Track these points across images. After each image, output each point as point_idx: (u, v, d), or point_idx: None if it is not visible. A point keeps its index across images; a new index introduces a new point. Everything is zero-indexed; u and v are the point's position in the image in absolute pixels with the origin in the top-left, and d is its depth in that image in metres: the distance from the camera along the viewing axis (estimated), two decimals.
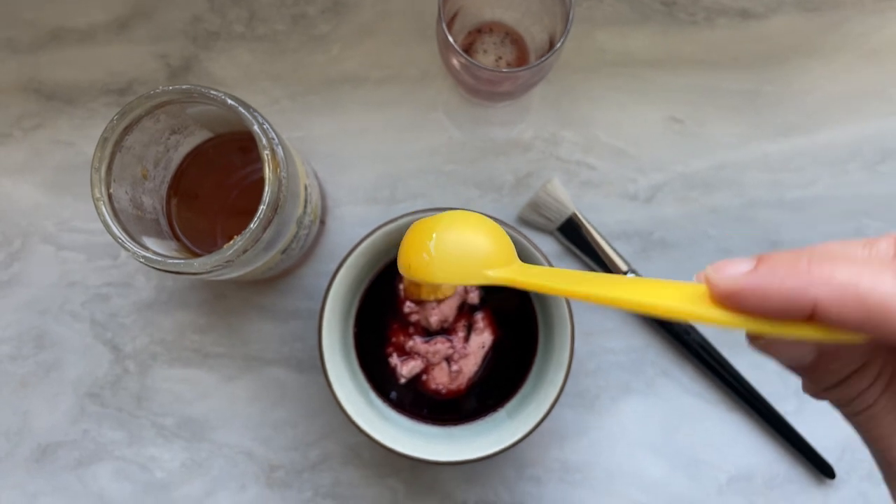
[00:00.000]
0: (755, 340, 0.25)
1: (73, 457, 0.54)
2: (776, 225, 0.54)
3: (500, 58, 0.52)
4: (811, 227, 0.54)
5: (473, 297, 0.50)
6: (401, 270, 0.33)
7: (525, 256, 0.47)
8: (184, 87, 0.39)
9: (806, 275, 0.21)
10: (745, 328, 0.23)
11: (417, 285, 0.49)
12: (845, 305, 0.21)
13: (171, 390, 0.54)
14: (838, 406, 0.26)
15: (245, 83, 0.55)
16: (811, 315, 0.21)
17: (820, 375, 0.25)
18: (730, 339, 0.53)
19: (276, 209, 0.39)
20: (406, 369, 0.49)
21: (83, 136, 0.55)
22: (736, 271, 0.22)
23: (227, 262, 0.39)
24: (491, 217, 0.35)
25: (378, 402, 0.50)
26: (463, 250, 0.31)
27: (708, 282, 0.23)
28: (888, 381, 0.25)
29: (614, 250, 0.53)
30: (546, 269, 0.32)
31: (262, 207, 0.39)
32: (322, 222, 0.52)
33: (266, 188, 0.39)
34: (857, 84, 0.55)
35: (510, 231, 0.46)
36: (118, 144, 0.40)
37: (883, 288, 0.20)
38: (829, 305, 0.21)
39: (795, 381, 0.53)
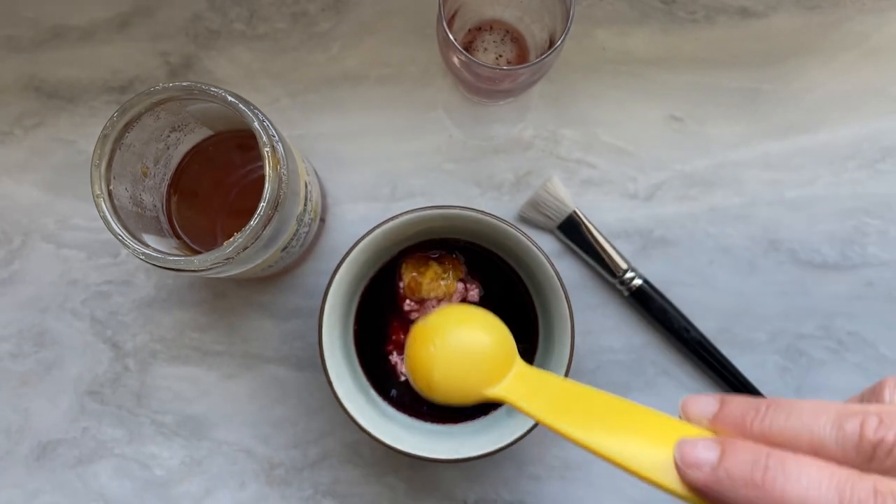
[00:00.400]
0: None
1: (73, 455, 0.54)
2: (776, 223, 0.54)
3: (501, 56, 0.52)
4: (811, 226, 0.54)
5: (473, 295, 0.50)
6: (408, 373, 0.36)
7: (526, 255, 0.47)
8: (184, 83, 0.39)
9: (759, 489, 0.23)
10: None
11: (418, 282, 0.49)
12: None
13: (171, 388, 0.54)
14: None
15: (245, 81, 0.55)
16: None
17: None
18: (730, 338, 0.53)
19: (276, 206, 0.39)
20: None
21: (84, 135, 0.55)
22: (702, 459, 0.24)
23: (227, 259, 0.39)
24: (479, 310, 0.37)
25: (378, 399, 0.50)
26: (461, 373, 0.33)
27: (676, 466, 0.25)
28: None
29: (614, 248, 0.53)
30: (541, 384, 0.33)
31: (262, 204, 0.39)
32: (322, 220, 0.52)
33: (266, 185, 0.39)
34: (857, 82, 0.55)
35: (510, 230, 0.46)
36: (118, 141, 0.40)
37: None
38: None
39: (795, 381, 0.53)
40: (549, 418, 0.30)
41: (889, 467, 0.22)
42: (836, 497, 0.22)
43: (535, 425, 0.45)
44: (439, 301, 0.49)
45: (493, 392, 0.33)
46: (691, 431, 0.26)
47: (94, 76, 0.55)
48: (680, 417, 0.27)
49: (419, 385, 0.34)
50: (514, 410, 0.48)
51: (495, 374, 0.33)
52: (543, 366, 0.48)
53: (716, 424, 0.26)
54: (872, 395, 0.26)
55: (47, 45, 0.55)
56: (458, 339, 0.34)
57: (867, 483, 0.22)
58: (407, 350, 0.35)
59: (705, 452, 0.25)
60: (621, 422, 0.28)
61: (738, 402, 0.26)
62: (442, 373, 0.33)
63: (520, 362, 0.34)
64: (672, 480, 0.25)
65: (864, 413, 0.23)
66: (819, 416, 0.24)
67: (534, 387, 0.32)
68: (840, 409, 0.24)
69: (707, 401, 0.26)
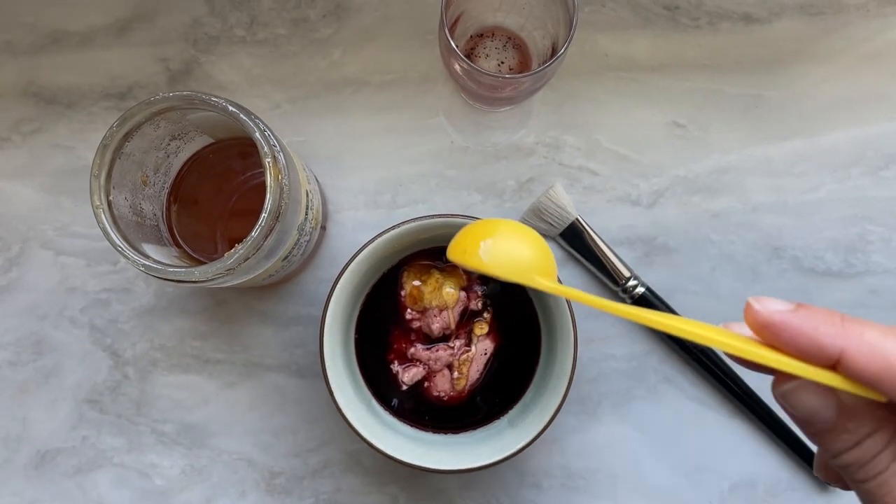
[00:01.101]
0: (780, 384, 0.26)
1: (72, 463, 0.53)
2: (779, 230, 0.54)
3: (503, 63, 0.52)
4: (814, 233, 0.54)
5: (476, 304, 0.50)
6: (451, 255, 0.34)
7: None
8: (184, 93, 0.39)
9: (839, 327, 0.24)
10: (775, 365, 0.24)
11: (420, 291, 0.49)
12: (869, 361, 0.23)
13: (171, 397, 0.54)
14: (852, 471, 0.26)
15: (246, 87, 0.55)
16: (836, 363, 0.24)
17: (836, 436, 0.26)
18: None
19: (277, 217, 0.39)
20: (408, 376, 0.49)
21: (83, 141, 0.55)
22: (778, 306, 0.25)
23: (229, 270, 0.39)
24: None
25: (379, 409, 0.49)
26: (517, 252, 0.33)
27: (750, 308, 0.25)
28: None
29: (617, 256, 0.52)
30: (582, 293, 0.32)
31: (263, 215, 0.38)
32: (323, 228, 0.52)
33: (267, 196, 0.38)
34: (860, 88, 0.55)
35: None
36: (118, 151, 0.40)
37: None
38: (855, 357, 0.23)
39: None
40: (602, 304, 0.29)
41: None
42: None
43: (538, 436, 0.45)
44: (441, 311, 0.49)
45: (546, 282, 0.32)
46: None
47: (94, 82, 0.55)
48: (745, 317, 0.27)
49: (471, 248, 0.33)
50: (517, 420, 0.48)
51: (544, 269, 0.33)
52: (546, 375, 0.48)
53: (789, 322, 0.25)
54: None
55: (46, 50, 0.55)
56: (518, 233, 0.34)
57: None
58: (463, 231, 0.34)
59: (778, 303, 0.25)
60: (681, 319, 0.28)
61: (814, 308, 0.25)
62: (501, 239, 0.33)
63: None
64: (730, 337, 0.25)
65: None
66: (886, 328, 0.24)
67: (580, 295, 0.32)
68: None
69: (780, 302, 0.26)
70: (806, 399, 0.26)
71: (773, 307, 0.25)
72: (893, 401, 0.24)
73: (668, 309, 0.52)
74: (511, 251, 0.33)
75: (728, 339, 0.25)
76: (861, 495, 0.27)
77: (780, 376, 0.26)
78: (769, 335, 0.25)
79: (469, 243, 0.33)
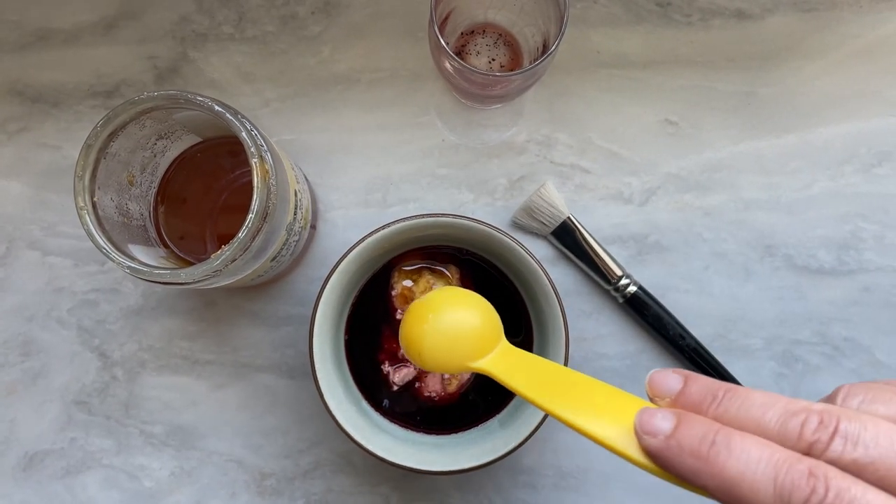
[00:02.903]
0: None
1: (60, 465, 0.53)
2: (771, 227, 0.54)
3: (494, 60, 0.51)
4: (807, 230, 0.53)
5: None
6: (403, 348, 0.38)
7: (519, 262, 0.47)
8: (170, 92, 0.38)
9: (703, 461, 0.25)
10: (662, 478, 0.27)
11: (411, 291, 0.49)
12: (727, 497, 0.24)
13: (160, 398, 0.53)
14: None
15: (234, 85, 0.54)
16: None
17: None
18: (725, 344, 0.53)
19: (265, 217, 0.38)
20: (399, 377, 0.49)
21: (69, 140, 0.54)
22: (658, 428, 0.26)
23: (215, 271, 0.38)
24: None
25: (370, 410, 0.49)
26: (443, 356, 0.36)
27: (635, 432, 0.27)
28: None
29: (609, 255, 0.52)
30: (522, 361, 0.36)
31: (250, 216, 0.38)
32: (313, 227, 0.52)
33: (254, 196, 0.38)
34: (853, 85, 0.54)
35: (503, 238, 0.45)
36: (103, 151, 0.39)
37: (760, 497, 0.24)
38: (713, 493, 0.25)
39: (791, 387, 0.53)
40: (525, 390, 0.32)
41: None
42: (772, 474, 0.23)
43: (529, 437, 0.45)
44: None
45: (477, 364, 0.35)
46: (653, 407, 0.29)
47: (80, 80, 0.54)
48: (646, 391, 0.29)
49: (411, 354, 0.37)
50: (508, 421, 0.47)
51: (480, 349, 0.35)
52: None
53: (675, 406, 0.28)
54: (828, 400, 0.27)
55: (31, 48, 0.54)
56: (448, 316, 0.37)
57: (803, 465, 0.23)
58: (402, 324, 0.38)
59: (662, 422, 0.27)
60: (591, 397, 0.30)
61: (699, 385, 0.28)
62: (432, 344, 0.36)
63: (504, 342, 0.36)
64: (633, 450, 0.27)
65: (807, 412, 0.25)
66: (767, 410, 0.25)
67: (515, 363, 0.35)
68: (787, 405, 0.25)
69: (672, 379, 0.28)
70: None
71: (653, 429, 0.26)
72: None
73: (661, 307, 0.52)
74: (437, 356, 0.36)
75: (626, 449, 0.28)
76: None
77: None
78: (653, 460, 0.27)
79: (409, 351, 0.37)
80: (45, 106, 0.54)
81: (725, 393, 0.27)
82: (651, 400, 0.29)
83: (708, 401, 0.27)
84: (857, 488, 0.23)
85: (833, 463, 0.23)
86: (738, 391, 0.26)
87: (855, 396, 0.26)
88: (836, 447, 0.24)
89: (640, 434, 0.27)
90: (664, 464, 0.26)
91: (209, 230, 0.49)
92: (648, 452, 0.27)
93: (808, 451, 0.24)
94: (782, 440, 0.25)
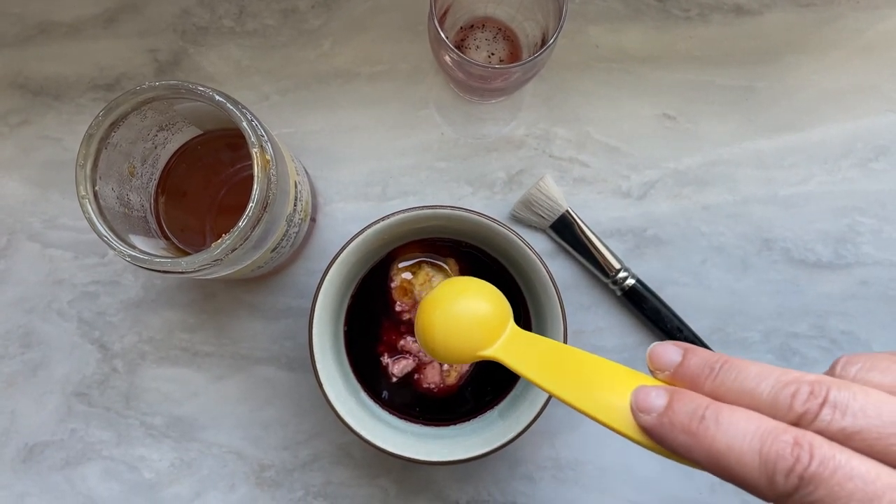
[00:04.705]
0: None
1: (60, 457, 0.53)
2: (769, 222, 0.54)
3: (493, 54, 0.51)
4: (805, 225, 0.54)
5: None
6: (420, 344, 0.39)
7: (518, 255, 0.47)
8: (171, 82, 0.39)
9: (693, 436, 0.26)
10: (660, 454, 0.28)
11: (410, 283, 0.49)
12: (717, 469, 0.25)
13: (160, 389, 0.53)
14: None
15: (234, 78, 0.54)
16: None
17: None
18: (723, 337, 0.53)
19: (265, 207, 0.39)
20: (398, 368, 0.49)
21: (70, 132, 0.54)
22: (652, 405, 0.28)
23: (216, 260, 0.38)
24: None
25: (369, 401, 0.49)
26: (454, 344, 0.37)
27: (631, 410, 0.28)
28: None
29: (607, 248, 0.52)
30: (529, 345, 0.37)
31: (250, 205, 0.38)
32: (313, 219, 0.52)
33: (255, 186, 0.38)
34: (851, 80, 0.55)
35: (502, 230, 0.46)
36: (104, 141, 0.39)
37: (747, 468, 0.24)
38: (705, 467, 0.26)
39: None
40: (533, 375, 0.34)
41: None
42: (757, 445, 0.24)
43: (527, 427, 0.45)
44: None
45: (487, 353, 0.36)
46: (653, 383, 0.29)
47: (81, 73, 0.54)
48: (647, 366, 0.30)
49: (427, 349, 0.38)
50: (507, 412, 0.48)
51: (489, 337, 0.36)
52: None
53: (674, 379, 0.29)
54: (829, 371, 0.28)
55: (33, 41, 0.54)
56: (456, 309, 0.38)
57: (788, 435, 0.24)
58: (416, 321, 0.39)
59: (656, 399, 0.28)
60: (596, 376, 0.31)
61: (698, 358, 0.28)
62: (442, 337, 0.37)
63: (512, 324, 0.37)
64: (632, 429, 0.28)
65: (798, 383, 0.25)
66: (761, 381, 0.26)
67: (523, 347, 0.36)
68: (780, 376, 0.26)
69: (672, 351, 0.29)
70: None
71: (648, 406, 0.28)
72: None
73: (659, 300, 0.52)
74: (450, 349, 0.37)
75: (626, 428, 0.29)
76: None
77: None
78: (648, 435, 0.28)
79: (425, 347, 0.38)
80: (46, 99, 0.54)
81: (722, 365, 0.27)
82: (651, 373, 0.30)
83: (705, 373, 0.28)
84: (843, 456, 0.23)
85: (821, 432, 0.24)
86: (734, 363, 0.27)
87: (853, 365, 0.26)
88: (825, 416, 0.24)
89: (635, 412, 0.28)
90: (659, 440, 0.27)
91: (209, 224, 0.50)
92: (644, 429, 0.28)
93: (798, 422, 0.25)
94: (774, 411, 0.25)
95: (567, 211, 0.52)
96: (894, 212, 0.54)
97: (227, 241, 0.38)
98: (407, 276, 0.49)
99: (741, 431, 0.25)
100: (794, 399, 0.25)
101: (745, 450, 0.24)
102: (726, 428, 0.25)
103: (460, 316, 0.37)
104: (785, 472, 0.23)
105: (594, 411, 0.30)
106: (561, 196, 0.52)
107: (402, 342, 0.49)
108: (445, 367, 0.49)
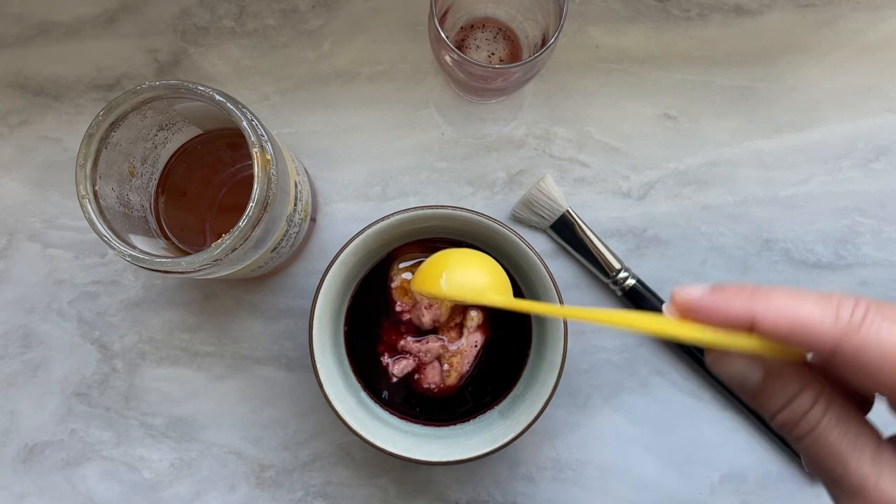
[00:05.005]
0: (709, 355, 0.29)
1: (60, 457, 0.53)
2: (769, 222, 0.54)
3: (493, 54, 0.51)
4: (805, 225, 0.54)
5: None
6: (415, 286, 0.40)
7: (518, 255, 0.47)
8: (171, 82, 0.39)
9: (748, 297, 0.26)
10: (700, 337, 0.27)
11: (409, 283, 0.49)
12: (778, 320, 0.25)
13: (160, 390, 0.53)
14: (788, 430, 0.28)
15: (234, 79, 0.54)
16: (752, 327, 0.26)
17: (768, 397, 0.28)
18: None
19: (265, 207, 0.39)
20: (398, 368, 0.49)
21: (70, 132, 0.54)
22: (695, 291, 0.27)
23: (216, 260, 0.38)
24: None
25: (369, 401, 0.49)
26: (470, 278, 0.38)
27: (672, 298, 0.28)
28: (827, 402, 0.27)
29: (607, 248, 0.52)
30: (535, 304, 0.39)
31: (251, 205, 0.38)
32: (313, 220, 0.52)
33: (255, 185, 0.38)
34: (851, 81, 0.55)
35: (503, 230, 0.46)
36: (104, 141, 0.39)
37: (805, 310, 0.25)
38: (764, 320, 0.26)
39: None
40: (550, 310, 0.36)
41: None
42: (817, 298, 0.25)
43: (528, 427, 0.45)
44: (431, 303, 0.48)
45: (497, 298, 0.36)
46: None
47: (81, 73, 0.54)
48: (665, 311, 0.29)
49: (431, 279, 0.38)
50: (507, 412, 0.48)
51: (497, 289, 0.38)
52: (536, 367, 0.48)
53: (704, 306, 0.28)
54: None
55: (33, 41, 0.54)
56: (472, 257, 0.40)
57: (849, 298, 0.25)
58: (423, 265, 0.40)
59: (698, 287, 0.28)
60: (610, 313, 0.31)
61: (728, 286, 0.28)
62: (455, 269, 0.38)
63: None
64: (662, 323, 0.28)
65: (840, 298, 0.26)
66: (801, 296, 0.26)
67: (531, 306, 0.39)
68: (819, 294, 0.26)
69: (696, 286, 0.28)
70: (732, 366, 0.28)
71: (691, 292, 0.27)
72: (811, 352, 0.26)
73: (659, 300, 0.52)
74: (465, 278, 0.38)
75: (649, 323, 0.28)
76: (801, 453, 0.28)
77: (708, 349, 0.29)
78: (692, 316, 0.27)
79: (429, 275, 0.39)
80: (46, 99, 0.54)
81: (756, 287, 0.27)
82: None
83: (741, 292, 0.27)
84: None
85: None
86: (767, 287, 0.27)
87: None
88: (874, 319, 0.25)
89: (678, 295, 0.28)
90: (710, 310, 0.27)
91: (209, 224, 0.50)
92: (688, 306, 0.27)
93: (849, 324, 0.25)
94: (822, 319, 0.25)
95: (567, 211, 0.52)
96: (894, 212, 0.54)
97: (227, 241, 0.38)
98: (407, 276, 0.49)
99: (798, 297, 0.26)
100: (841, 308, 0.25)
101: (807, 299, 0.25)
102: (780, 291, 0.26)
103: (474, 260, 0.40)
104: (850, 307, 0.24)
105: (625, 320, 0.29)
106: (561, 196, 0.52)
107: (402, 342, 0.49)
108: (446, 366, 0.49)
